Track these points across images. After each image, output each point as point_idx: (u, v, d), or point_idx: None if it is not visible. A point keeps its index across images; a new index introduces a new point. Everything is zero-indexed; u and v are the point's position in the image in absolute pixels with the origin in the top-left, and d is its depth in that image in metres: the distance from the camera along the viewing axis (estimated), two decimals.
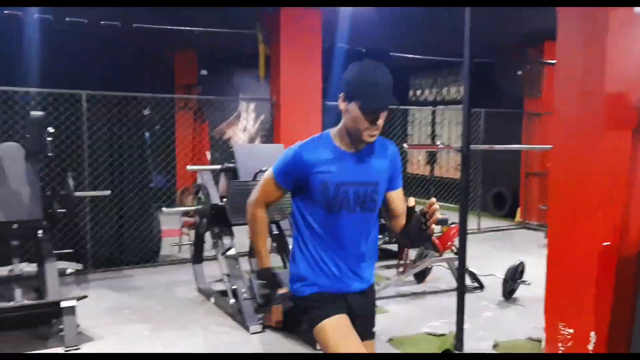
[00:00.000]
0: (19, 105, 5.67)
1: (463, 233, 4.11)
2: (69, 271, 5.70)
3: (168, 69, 10.69)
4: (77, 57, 8.67)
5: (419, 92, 12.99)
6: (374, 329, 2.38)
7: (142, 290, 5.57)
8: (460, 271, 4.14)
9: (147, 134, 7.20)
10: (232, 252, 4.92)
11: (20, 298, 4.53)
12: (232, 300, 4.69)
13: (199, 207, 5.18)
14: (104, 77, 8.62)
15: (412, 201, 2.11)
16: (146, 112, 7.25)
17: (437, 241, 5.38)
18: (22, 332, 4.26)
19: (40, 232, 4.72)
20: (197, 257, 5.64)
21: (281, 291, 2.35)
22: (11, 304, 4.47)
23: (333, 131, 2.22)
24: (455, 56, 8.58)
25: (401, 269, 5.54)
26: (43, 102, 5.85)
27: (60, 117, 5.95)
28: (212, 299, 5.18)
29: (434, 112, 12.43)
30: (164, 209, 5.44)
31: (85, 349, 4.05)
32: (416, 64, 11.42)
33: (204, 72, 11.02)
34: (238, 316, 4.60)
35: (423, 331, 4.39)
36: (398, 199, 2.32)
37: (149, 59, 9.77)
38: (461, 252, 4.13)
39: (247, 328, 4.41)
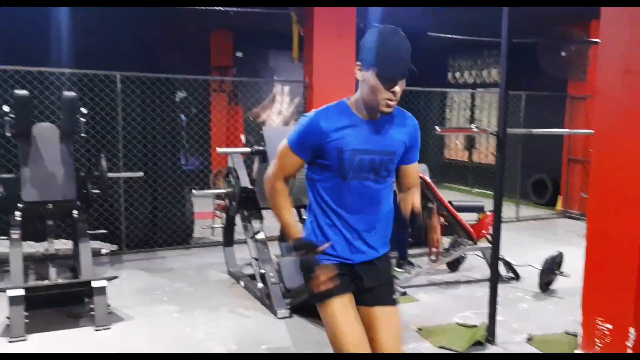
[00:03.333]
0: (54, 86, 5.74)
1: (497, 221, 3.95)
2: (103, 251, 5.83)
3: (204, 51, 10.70)
4: (111, 38, 8.71)
5: (457, 74, 12.62)
6: (395, 297, 2.33)
7: (174, 272, 5.62)
8: (494, 260, 4.00)
9: (183, 117, 7.23)
10: (260, 235, 4.90)
11: (54, 277, 4.64)
12: (260, 285, 4.68)
13: (229, 190, 5.17)
14: (138, 58, 8.65)
15: (417, 206, 2.25)
16: (181, 94, 7.27)
17: (471, 229, 5.21)
18: (56, 311, 4.34)
19: (75, 212, 4.81)
20: (228, 240, 5.65)
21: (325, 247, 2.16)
22: (45, 282, 4.59)
23: (350, 100, 2.17)
24: (497, 36, 8.25)
25: (433, 257, 5.40)
26: (78, 82, 5.91)
27: (95, 99, 6.01)
28: (242, 282, 5.18)
29: (473, 95, 12.06)
30: (194, 191, 5.46)
31: (116, 328, 4.11)
32: (455, 45, 11.07)
33: (239, 54, 10.99)
34: (266, 300, 4.58)
35: (454, 321, 4.28)
36: (413, 173, 2.30)
37: (184, 40, 9.78)
38: (495, 241, 3.98)
39: (274, 313, 4.39)
